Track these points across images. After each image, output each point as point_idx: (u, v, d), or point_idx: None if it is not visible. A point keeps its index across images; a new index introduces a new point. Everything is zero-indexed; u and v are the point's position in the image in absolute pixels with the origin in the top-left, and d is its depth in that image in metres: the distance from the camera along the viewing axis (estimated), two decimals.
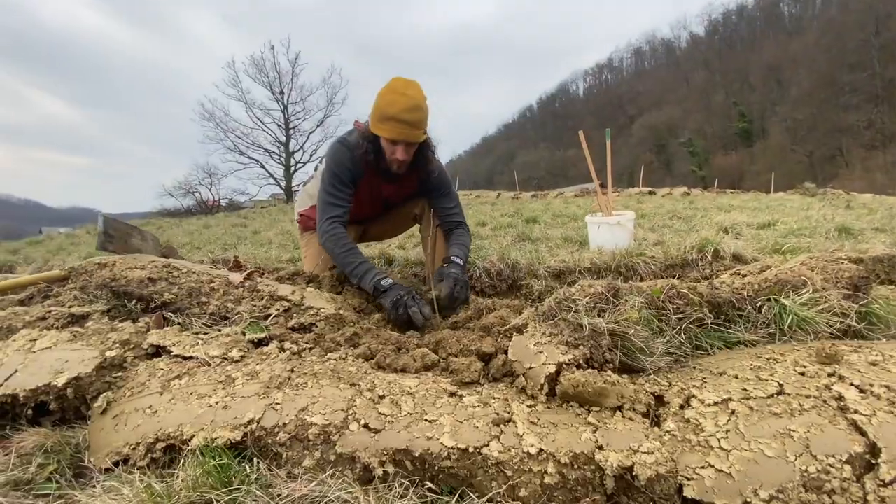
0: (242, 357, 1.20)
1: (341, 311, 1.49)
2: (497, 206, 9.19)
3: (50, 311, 1.39)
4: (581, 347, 1.00)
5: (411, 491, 0.84)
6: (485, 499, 0.83)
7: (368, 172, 1.95)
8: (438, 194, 2.10)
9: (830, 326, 1.16)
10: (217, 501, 0.81)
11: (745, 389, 0.91)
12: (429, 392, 1.04)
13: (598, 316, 1.11)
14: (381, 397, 1.02)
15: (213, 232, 7.04)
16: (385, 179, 2.00)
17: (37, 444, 1.05)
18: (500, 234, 4.61)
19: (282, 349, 1.24)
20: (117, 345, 1.22)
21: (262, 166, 28.90)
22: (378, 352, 1.25)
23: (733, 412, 0.86)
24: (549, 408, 0.95)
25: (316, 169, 2.33)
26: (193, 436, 0.97)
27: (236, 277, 1.52)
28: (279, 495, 0.83)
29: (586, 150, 3.21)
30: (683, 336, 1.14)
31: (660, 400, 0.96)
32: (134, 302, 1.43)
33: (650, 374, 1.05)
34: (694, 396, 0.93)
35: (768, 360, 1.02)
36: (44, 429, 1.09)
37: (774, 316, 1.20)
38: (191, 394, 1.07)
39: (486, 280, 2.93)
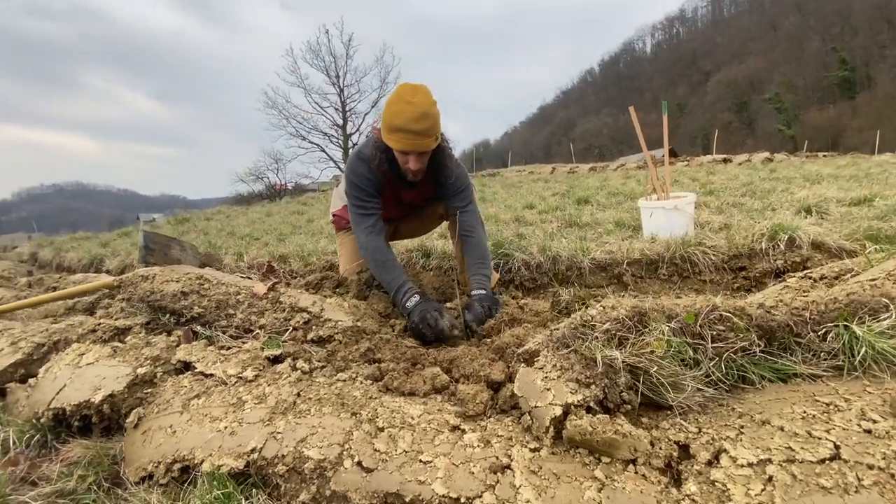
0: (256, 377, 1.22)
1: (359, 323, 1.48)
2: (549, 184, 8.81)
3: (99, 324, 1.50)
4: (593, 387, 0.90)
5: None
6: None
7: (387, 180, 1.92)
8: (453, 194, 2.04)
9: None
10: None
11: (789, 448, 0.76)
12: (430, 425, 0.99)
13: (619, 346, 0.99)
14: (380, 430, 0.99)
15: (274, 220, 7.42)
16: (404, 186, 1.96)
17: (81, 455, 1.15)
18: (547, 218, 4.41)
19: (294, 367, 1.25)
20: (148, 361, 1.30)
21: (323, 150, 29.95)
22: (388, 372, 1.22)
23: (771, 479, 0.73)
24: (553, 453, 0.87)
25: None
26: (203, 460, 1.00)
27: (260, 289, 1.56)
28: None
29: (638, 126, 2.91)
30: (724, 367, 0.99)
31: (685, 450, 0.84)
32: (168, 316, 1.51)
33: (678, 414, 0.93)
34: (725, 451, 0.80)
35: (827, 406, 0.85)
36: (87, 441, 1.20)
37: (843, 346, 1.00)
38: (205, 416, 1.11)
39: (524, 273, 2.81)
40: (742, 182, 5.65)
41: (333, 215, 2.44)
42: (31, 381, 1.33)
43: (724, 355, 1.00)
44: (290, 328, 1.44)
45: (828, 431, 0.78)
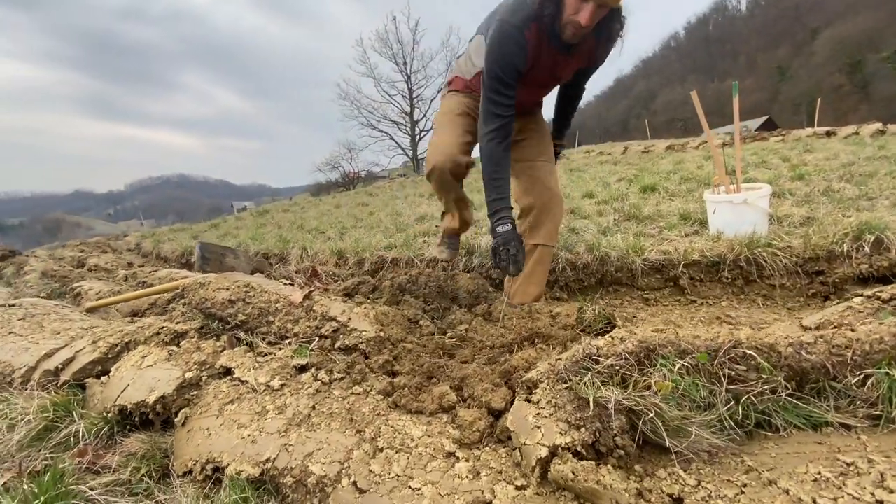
0: (282, 386, 1.32)
1: (382, 333, 1.54)
2: (618, 167, 8.30)
3: (163, 328, 1.71)
4: (582, 430, 0.87)
5: None
6: None
7: (539, 48, 1.66)
8: (591, 70, 1.97)
9: None
10: None
11: None
12: (427, 449, 1.02)
13: (622, 384, 0.94)
14: (380, 450, 1.04)
15: (340, 213, 7.81)
16: (561, 51, 1.69)
17: (137, 448, 1.34)
18: (606, 209, 4.18)
19: (315, 378, 1.34)
20: (196, 365, 1.46)
21: (391, 138, 30.76)
22: (399, 388, 1.26)
23: None
24: (538, 493, 0.86)
25: (471, 41, 2.01)
26: (229, 464, 1.12)
27: (297, 297, 1.67)
28: None
29: (700, 111, 2.64)
30: (741, 411, 0.90)
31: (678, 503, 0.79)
32: (217, 322, 1.68)
33: (680, 463, 0.86)
34: None
35: (846, 467, 0.75)
36: (144, 435, 1.38)
37: (882, 394, 0.86)
38: (234, 422, 1.23)
39: (570, 274, 2.71)
40: (841, 162, 4.90)
41: (447, 83, 2.20)
42: (103, 378, 1.56)
43: (744, 398, 0.91)
44: (319, 337, 1.54)
45: (834, 501, 0.69)
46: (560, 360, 1.03)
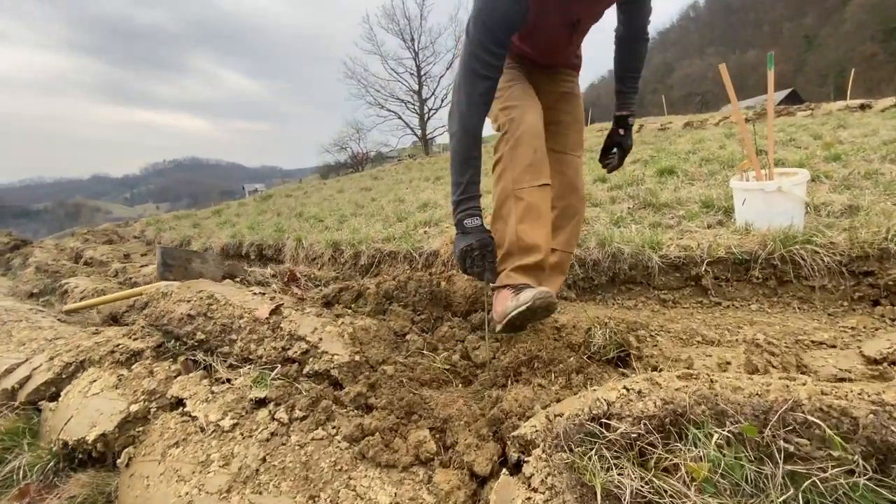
0: (234, 426, 1.13)
1: (358, 357, 1.33)
2: (634, 147, 7.89)
3: (119, 345, 1.53)
4: None
5: None
6: None
7: None
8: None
9: None
10: None
11: None
12: None
13: (639, 460, 0.71)
14: None
15: (342, 198, 7.59)
16: None
17: (77, 492, 1.17)
18: (619, 195, 3.88)
19: (273, 417, 1.14)
20: (144, 396, 1.27)
21: (400, 117, 30.23)
22: (368, 434, 1.05)
23: None
24: None
25: None
26: None
27: (262, 312, 1.47)
28: None
29: (730, 86, 2.32)
30: (803, 498, 0.67)
31: None
32: (173, 341, 1.49)
33: None
34: None
35: None
36: (86, 476, 1.21)
37: None
38: (175, 472, 1.04)
39: (578, 272, 2.47)
40: (882, 140, 4.48)
41: None
42: (52, 404, 1.38)
43: (806, 483, 0.68)
44: (285, 361, 1.34)
45: None
46: (560, 416, 0.81)
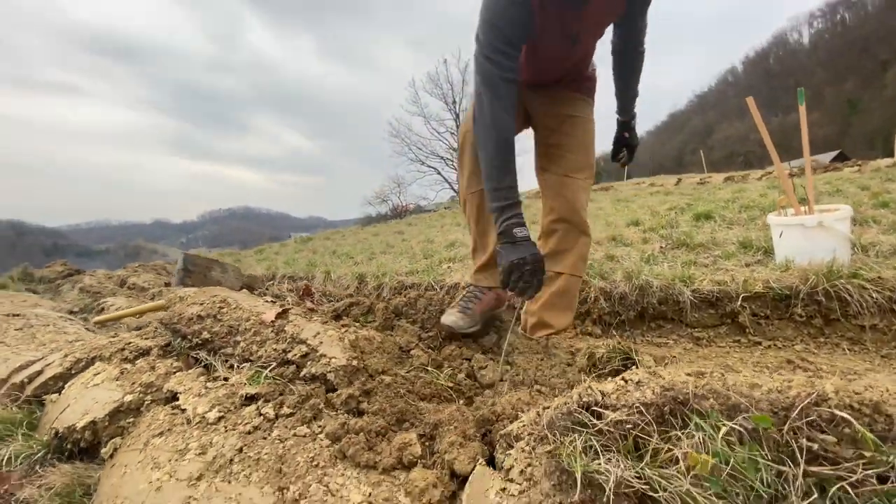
0: (219, 419, 1.09)
1: (356, 363, 1.28)
2: (670, 197, 7.73)
3: (129, 343, 1.55)
4: None
5: None
6: None
7: (540, 5, 1.33)
8: (643, 10, 1.54)
9: None
10: None
11: None
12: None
13: (634, 452, 0.62)
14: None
15: (376, 239, 7.77)
16: (564, 3, 1.36)
17: (55, 481, 1.14)
18: (652, 237, 3.76)
19: (259, 412, 1.09)
20: (140, 388, 1.27)
21: (439, 172, 31.44)
22: (351, 432, 0.99)
23: None
24: None
25: None
26: None
27: (268, 316, 1.46)
28: None
29: (758, 119, 2.26)
30: None
31: None
32: (180, 339, 1.50)
33: None
34: None
35: None
36: (68, 466, 1.19)
37: None
38: (152, 460, 1.00)
39: (604, 305, 2.35)
40: None
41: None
42: (53, 396, 1.40)
43: (834, 489, 0.56)
44: (284, 363, 1.30)
45: None
46: (549, 408, 0.73)
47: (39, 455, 1.24)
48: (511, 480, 0.64)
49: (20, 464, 1.22)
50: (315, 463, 0.91)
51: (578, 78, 1.74)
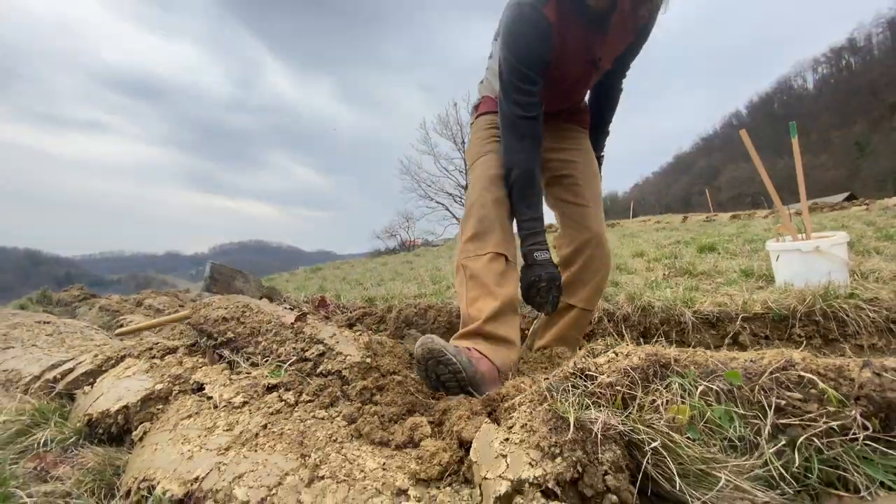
0: (244, 403, 1.18)
1: (369, 360, 1.37)
2: (676, 232, 7.83)
3: (157, 343, 1.65)
4: (558, 460, 0.63)
5: None
6: None
7: (564, 27, 1.38)
8: (626, 58, 1.65)
9: None
10: None
11: None
12: (374, 483, 0.81)
13: (622, 409, 0.70)
14: (319, 478, 0.84)
15: (386, 268, 7.90)
16: (589, 26, 1.40)
17: (89, 461, 1.22)
18: (656, 266, 3.84)
19: (280, 398, 1.18)
20: (170, 378, 1.36)
21: (447, 209, 32.05)
22: (366, 414, 1.07)
23: None
24: None
25: (490, 56, 1.82)
26: (159, 482, 0.96)
27: (288, 319, 1.56)
28: None
29: (753, 152, 2.40)
30: (798, 458, 0.63)
31: None
32: (206, 339, 1.60)
33: None
34: None
35: None
36: (101, 448, 1.27)
37: None
38: (182, 437, 1.09)
39: (606, 325, 2.41)
40: None
41: (473, 107, 1.92)
42: (85, 388, 1.49)
43: (801, 439, 0.64)
44: (300, 359, 1.40)
45: None
46: (547, 378, 0.82)
47: (72, 440, 1.32)
48: (513, 432, 0.72)
49: (53, 447, 1.30)
50: (333, 438, 0.99)
51: (577, 111, 1.85)
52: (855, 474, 0.61)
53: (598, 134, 1.90)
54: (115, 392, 1.35)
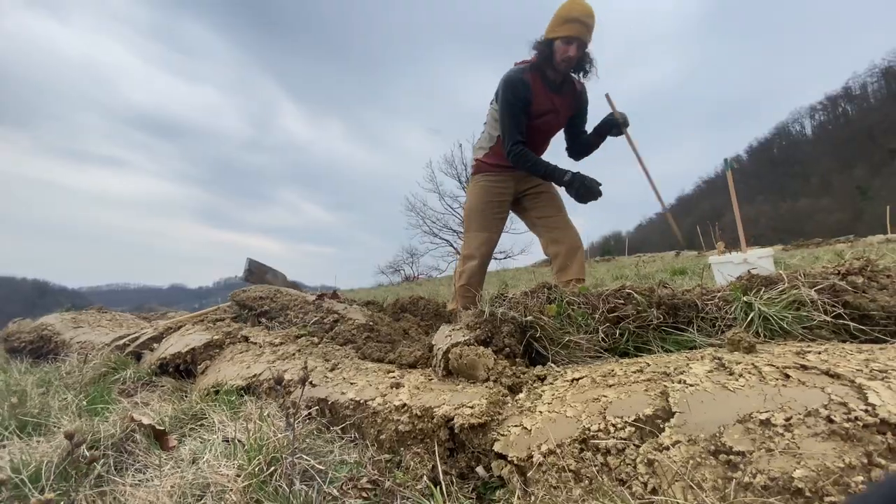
0: (281, 343, 1.64)
1: (372, 323, 1.84)
2: (662, 263, 8.28)
3: (206, 315, 2.13)
4: (477, 330, 1.10)
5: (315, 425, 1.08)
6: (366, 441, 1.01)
7: (537, 88, 2.17)
8: (581, 117, 2.37)
9: (803, 325, 0.94)
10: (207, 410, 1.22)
11: (604, 375, 0.87)
12: (372, 370, 1.27)
13: (524, 314, 1.17)
14: (336, 367, 1.30)
15: (388, 292, 8.37)
16: (551, 89, 2.21)
17: (167, 385, 1.67)
18: (624, 282, 4.28)
19: (308, 340, 1.64)
20: (222, 332, 1.83)
21: (451, 245, 32.68)
22: (370, 342, 1.53)
23: (576, 382, 0.85)
24: (439, 380, 1.08)
25: (485, 123, 2.47)
26: (227, 382, 1.42)
27: (310, 298, 2.04)
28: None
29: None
30: (619, 334, 1.09)
31: (542, 379, 0.98)
32: (247, 311, 2.07)
33: (560, 364, 1.06)
34: (563, 376, 0.93)
35: (695, 356, 0.93)
36: (173, 379, 1.72)
37: (739, 316, 1.03)
38: (241, 361, 1.55)
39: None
40: None
41: (475, 160, 2.54)
42: (153, 345, 1.96)
43: (622, 324, 1.11)
44: (320, 323, 1.87)
45: (640, 370, 0.87)
46: (483, 301, 1.29)
47: (145, 379, 1.78)
48: (457, 329, 1.18)
49: (133, 382, 1.76)
50: (347, 355, 1.45)
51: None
52: (654, 346, 1.07)
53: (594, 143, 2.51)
54: (181, 342, 1.82)
